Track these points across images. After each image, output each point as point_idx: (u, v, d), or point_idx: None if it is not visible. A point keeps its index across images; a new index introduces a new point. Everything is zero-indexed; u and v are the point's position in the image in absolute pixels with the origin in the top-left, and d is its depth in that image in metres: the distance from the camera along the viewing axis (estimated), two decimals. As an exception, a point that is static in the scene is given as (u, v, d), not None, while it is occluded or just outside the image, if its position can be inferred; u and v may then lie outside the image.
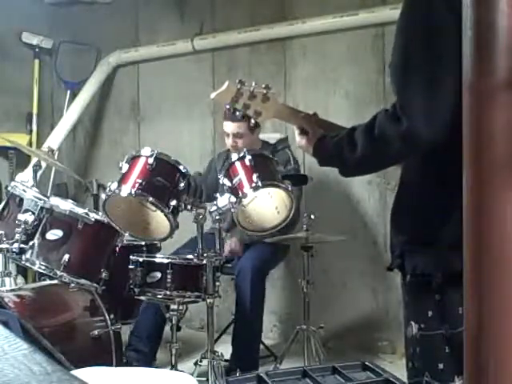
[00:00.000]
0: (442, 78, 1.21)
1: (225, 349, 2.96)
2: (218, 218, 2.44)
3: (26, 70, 4.54)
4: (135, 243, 2.84)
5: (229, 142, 3.27)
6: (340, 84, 3.66)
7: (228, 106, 1.51)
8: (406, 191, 1.43)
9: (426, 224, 1.36)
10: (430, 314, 1.34)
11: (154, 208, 2.36)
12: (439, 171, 1.32)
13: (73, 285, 2.61)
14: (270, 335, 3.84)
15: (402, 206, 1.44)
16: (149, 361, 3.07)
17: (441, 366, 1.34)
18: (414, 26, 1.28)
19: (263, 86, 1.52)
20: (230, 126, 3.23)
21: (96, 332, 2.50)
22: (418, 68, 1.26)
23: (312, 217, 2.81)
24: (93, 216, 2.62)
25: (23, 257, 2.62)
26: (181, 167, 2.43)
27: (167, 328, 2.94)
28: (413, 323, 1.37)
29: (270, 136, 3.51)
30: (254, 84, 1.51)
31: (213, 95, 1.50)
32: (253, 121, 1.58)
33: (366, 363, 2.07)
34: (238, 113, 1.52)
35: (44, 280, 2.82)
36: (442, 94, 1.20)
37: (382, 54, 3.52)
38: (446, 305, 1.31)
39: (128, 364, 2.81)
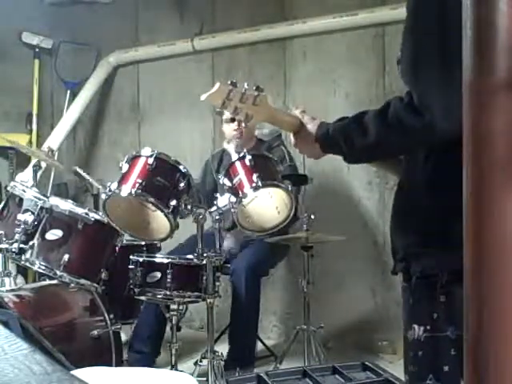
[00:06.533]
0: (457, 75, 1.21)
1: (225, 349, 2.97)
2: (217, 217, 2.44)
3: (26, 70, 4.54)
4: (135, 243, 2.84)
5: (231, 127, 3.15)
6: (340, 84, 3.66)
7: (218, 110, 1.48)
8: (408, 193, 1.41)
9: (430, 225, 1.34)
10: (435, 315, 1.33)
11: (153, 208, 2.37)
12: (442, 171, 1.31)
13: (73, 285, 2.61)
14: (270, 335, 3.84)
15: (403, 208, 1.42)
16: (151, 361, 3.07)
17: (446, 368, 1.33)
18: (428, 25, 1.27)
19: (254, 87, 1.46)
20: None
21: (96, 332, 2.50)
22: (433, 66, 1.25)
23: (312, 217, 2.81)
24: (93, 216, 2.62)
25: (23, 257, 2.62)
26: (181, 167, 2.43)
27: (167, 328, 2.94)
28: (416, 326, 1.36)
29: (262, 132, 3.46)
30: (245, 86, 1.45)
31: (203, 97, 1.44)
32: (243, 124, 1.54)
33: (366, 363, 2.07)
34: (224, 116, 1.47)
35: (44, 280, 2.82)
36: (457, 91, 1.21)
37: (382, 54, 3.52)
38: (451, 306, 1.30)
39: (129, 364, 2.81)
